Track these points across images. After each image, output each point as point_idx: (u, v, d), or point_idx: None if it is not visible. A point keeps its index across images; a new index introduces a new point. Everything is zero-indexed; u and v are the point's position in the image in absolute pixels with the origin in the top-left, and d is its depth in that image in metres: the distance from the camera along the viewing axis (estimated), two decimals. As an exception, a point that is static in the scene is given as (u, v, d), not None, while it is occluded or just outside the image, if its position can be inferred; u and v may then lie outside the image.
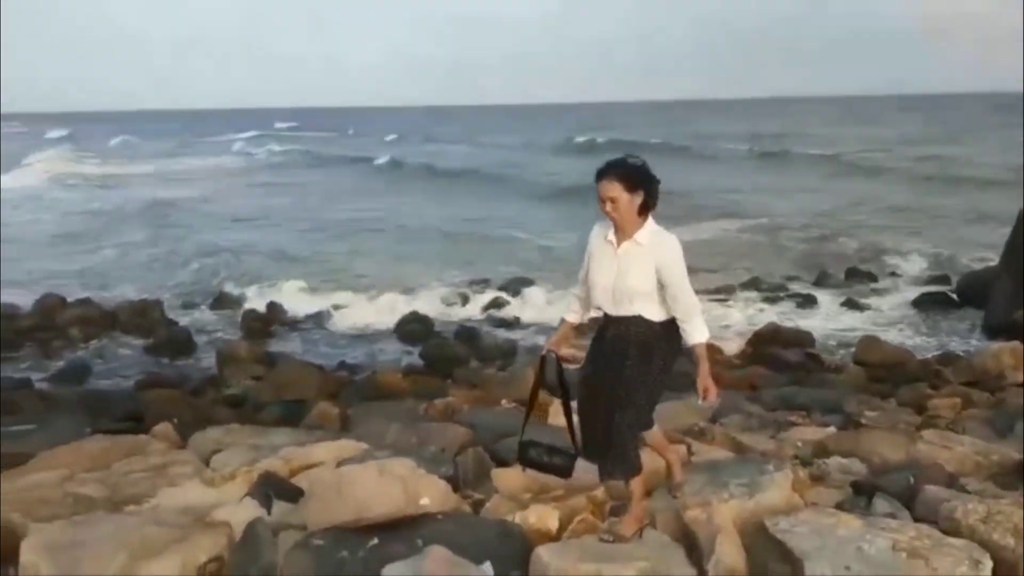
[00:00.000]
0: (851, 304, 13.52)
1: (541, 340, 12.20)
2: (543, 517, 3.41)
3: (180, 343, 12.18)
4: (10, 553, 3.31)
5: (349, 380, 9.77)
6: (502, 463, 4.54)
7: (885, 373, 9.20)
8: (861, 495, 3.81)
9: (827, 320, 12.92)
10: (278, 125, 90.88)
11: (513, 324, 13.11)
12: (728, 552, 2.92)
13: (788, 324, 12.02)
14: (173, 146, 62.77)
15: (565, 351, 3.52)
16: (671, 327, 3.21)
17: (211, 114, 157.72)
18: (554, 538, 3.32)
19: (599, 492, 3.65)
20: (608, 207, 3.12)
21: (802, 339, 11.07)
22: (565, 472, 3.33)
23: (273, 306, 13.84)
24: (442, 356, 10.91)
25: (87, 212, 27.71)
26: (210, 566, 3.14)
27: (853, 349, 10.38)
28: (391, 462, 3.47)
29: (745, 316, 13.05)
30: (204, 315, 14.15)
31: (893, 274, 15.96)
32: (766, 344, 10.66)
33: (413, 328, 12.62)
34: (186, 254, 19.57)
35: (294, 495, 3.83)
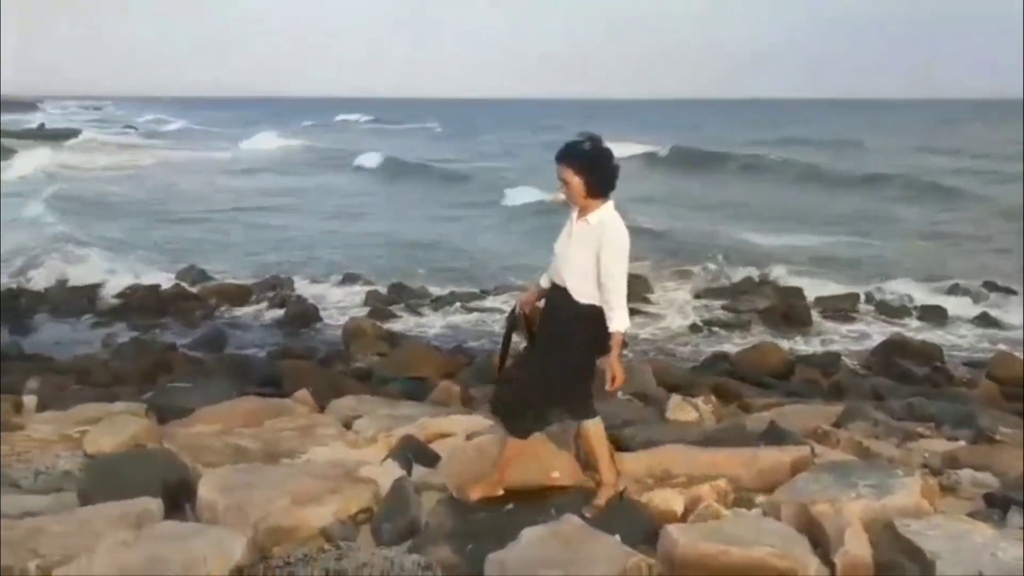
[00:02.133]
0: (986, 320, 12.83)
1: (658, 332, 12.30)
2: (668, 500, 3.55)
3: (308, 317, 12.93)
4: (185, 490, 3.73)
5: (467, 362, 10.12)
6: (622, 448, 4.70)
7: (1020, 390, 8.75)
8: (994, 507, 3.74)
9: (957, 334, 12.35)
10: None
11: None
12: (856, 545, 2.97)
13: (915, 336, 11.59)
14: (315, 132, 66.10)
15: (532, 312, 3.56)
16: (597, 315, 3.23)
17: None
18: (679, 521, 3.45)
19: (722, 481, 3.75)
20: (562, 188, 3.25)
21: (930, 352, 10.64)
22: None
23: (396, 288, 14.46)
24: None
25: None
26: (360, 516, 3.44)
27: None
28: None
29: (868, 326, 12.66)
30: (330, 291, 14.91)
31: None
32: (892, 355, 10.32)
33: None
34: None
35: (432, 459, 4.12)
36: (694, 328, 12.49)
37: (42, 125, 68.98)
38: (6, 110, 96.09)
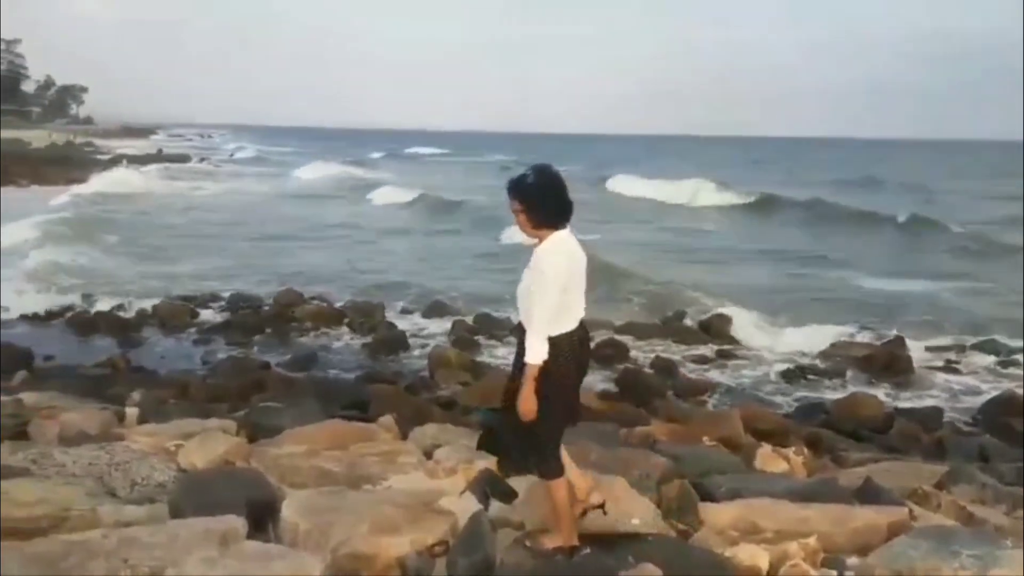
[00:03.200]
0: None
1: (748, 376, 11.94)
2: (754, 556, 3.41)
3: (396, 344, 13.17)
4: (269, 510, 3.82)
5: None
6: (706, 497, 4.56)
7: None
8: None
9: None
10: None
11: (714, 361, 12.84)
12: (958, 623, 2.77)
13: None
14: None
15: None
16: (558, 343, 3.15)
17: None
18: (763, 578, 3.31)
19: (812, 539, 3.57)
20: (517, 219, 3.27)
21: (1046, 412, 9.91)
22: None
23: (481, 318, 14.59)
24: (637, 385, 10.95)
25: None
26: (436, 548, 3.44)
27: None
28: (606, 479, 3.62)
29: (976, 380, 11.92)
30: (417, 320, 15.16)
31: None
32: (1002, 413, 9.67)
33: (607, 353, 12.77)
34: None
35: (509, 495, 4.09)
36: (788, 375, 12.06)
37: (160, 150, 73.52)
38: (127, 135, 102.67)
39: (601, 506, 3.47)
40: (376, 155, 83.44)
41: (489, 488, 4.09)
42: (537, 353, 3.11)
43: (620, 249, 24.01)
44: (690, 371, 12.23)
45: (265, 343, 13.31)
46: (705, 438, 6.81)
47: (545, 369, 3.13)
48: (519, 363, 3.24)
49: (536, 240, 3.25)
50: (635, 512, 3.54)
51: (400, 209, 35.77)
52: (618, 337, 13.42)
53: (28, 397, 6.55)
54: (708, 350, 13.29)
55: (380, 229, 28.37)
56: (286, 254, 22.23)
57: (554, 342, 3.15)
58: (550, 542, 3.40)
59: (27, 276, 16.90)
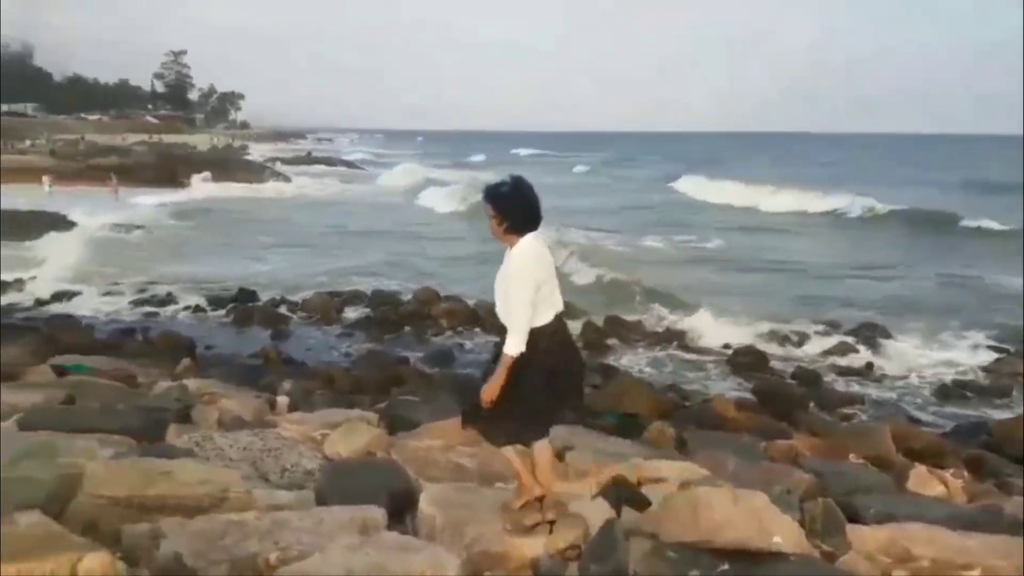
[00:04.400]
0: None
1: (899, 389, 11.21)
2: (908, 585, 3.17)
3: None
4: (407, 501, 3.94)
5: (680, 403, 9.86)
6: (854, 519, 4.30)
7: None
8: None
9: None
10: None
11: (862, 373, 12.11)
12: None
13: None
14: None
15: None
16: (533, 336, 3.34)
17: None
18: (918, 611, 3.07)
19: (976, 572, 3.29)
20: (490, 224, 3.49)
21: None
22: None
23: (610, 320, 14.47)
24: (778, 395, 10.51)
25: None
26: (568, 552, 3.42)
27: None
28: (746, 493, 3.47)
29: None
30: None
31: None
32: None
33: (747, 360, 12.34)
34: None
35: (642, 503, 4.02)
36: (943, 391, 11.21)
37: (309, 153, 77.94)
38: (279, 139, 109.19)
39: (551, 523, 3.59)
40: (478, 157, 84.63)
41: (622, 496, 4.04)
42: (514, 345, 3.33)
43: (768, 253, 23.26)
44: (835, 382, 11.62)
45: (402, 339, 13.79)
46: (852, 455, 6.44)
47: (522, 359, 3.35)
48: (496, 352, 3.48)
49: (508, 243, 3.47)
50: (777, 530, 3.37)
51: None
52: (757, 345, 12.93)
53: (191, 383, 7.10)
54: (856, 360, 12.58)
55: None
56: (420, 254, 22.95)
57: (531, 333, 3.37)
58: (518, 501, 3.63)
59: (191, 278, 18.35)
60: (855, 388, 11.42)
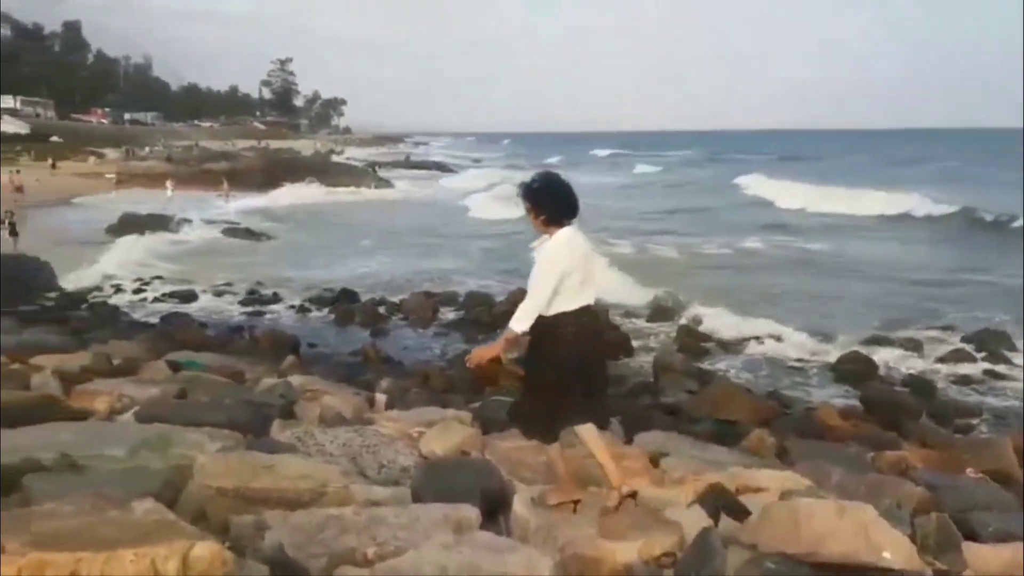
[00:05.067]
0: None
1: (1017, 404, 10.50)
2: (1034, 612, 2.95)
3: (618, 348, 13.13)
4: (500, 502, 3.95)
5: (781, 411, 9.53)
6: (970, 536, 4.05)
7: None
8: None
9: None
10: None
11: (980, 382, 11.41)
12: None
13: None
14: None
15: None
16: (556, 323, 3.49)
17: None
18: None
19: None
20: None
21: None
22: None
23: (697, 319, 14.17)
24: (887, 404, 10.01)
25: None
26: (664, 558, 3.36)
27: None
28: (852, 505, 3.31)
29: None
30: (640, 323, 15.03)
31: None
32: None
33: (853, 368, 11.81)
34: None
35: (741, 513, 3.90)
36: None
37: (407, 157, 79.71)
38: (379, 144, 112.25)
39: (633, 495, 3.72)
40: (554, 159, 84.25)
41: (720, 504, 3.93)
42: (519, 321, 3.50)
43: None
44: (948, 391, 10.99)
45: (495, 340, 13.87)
46: (969, 469, 6.06)
47: (541, 343, 3.55)
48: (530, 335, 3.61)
49: (548, 235, 3.59)
50: (886, 544, 3.20)
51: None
52: (862, 350, 12.36)
53: (295, 380, 7.36)
54: (974, 369, 11.85)
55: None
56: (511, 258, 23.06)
57: (552, 320, 3.51)
58: (553, 498, 3.75)
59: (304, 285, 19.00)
60: (973, 398, 10.76)
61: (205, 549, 2.63)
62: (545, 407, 3.64)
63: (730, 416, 8.75)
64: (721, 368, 12.19)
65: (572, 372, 3.57)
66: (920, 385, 10.89)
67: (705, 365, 12.16)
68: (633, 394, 10.07)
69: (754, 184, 46.55)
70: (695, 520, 3.73)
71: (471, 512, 3.45)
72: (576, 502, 3.72)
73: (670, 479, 4.45)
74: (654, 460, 5.15)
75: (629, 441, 6.09)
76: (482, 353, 3.61)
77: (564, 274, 3.49)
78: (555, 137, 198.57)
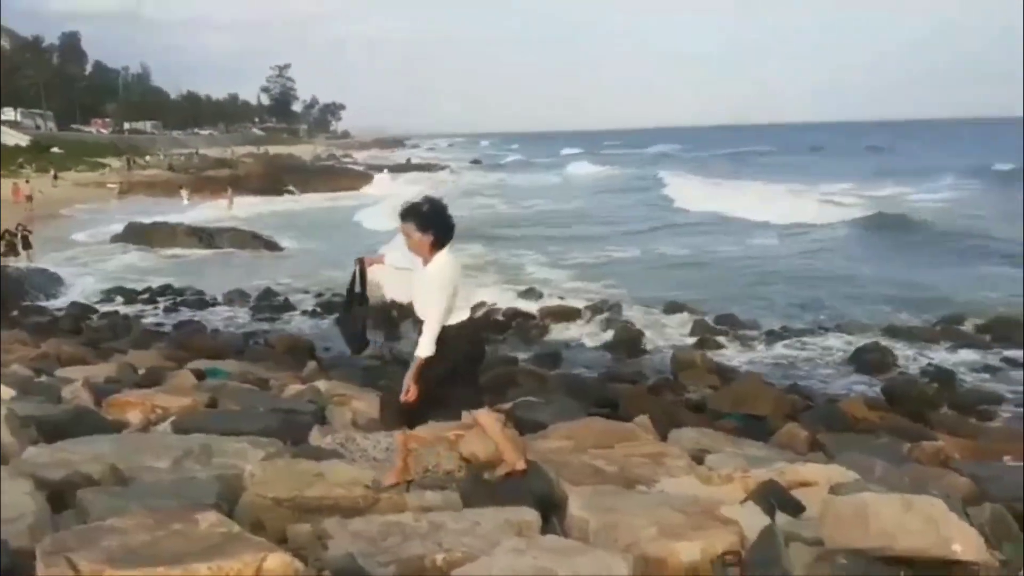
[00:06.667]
0: None
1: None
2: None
3: (634, 344, 13.11)
4: (551, 503, 3.91)
5: (805, 403, 9.49)
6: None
7: None
8: None
9: None
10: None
11: (997, 369, 11.36)
12: None
13: None
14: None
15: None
16: (454, 332, 3.75)
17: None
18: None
19: None
20: (408, 241, 3.80)
21: None
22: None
23: (722, 319, 14.11)
24: (909, 394, 9.97)
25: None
26: (728, 557, 3.32)
27: None
28: (919, 499, 3.27)
29: None
30: (656, 318, 14.96)
31: None
32: None
33: (872, 358, 11.76)
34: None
35: (796, 509, 3.86)
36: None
37: (409, 160, 79.68)
38: (379, 147, 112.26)
39: (523, 472, 3.98)
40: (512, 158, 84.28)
41: (775, 500, 3.89)
42: (426, 347, 3.69)
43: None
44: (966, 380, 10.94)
45: (508, 341, 13.81)
46: (1007, 456, 6.02)
47: (440, 352, 3.72)
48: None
49: (425, 258, 3.78)
50: (956, 537, 3.16)
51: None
52: (883, 341, 12.31)
53: (321, 385, 7.32)
54: (991, 357, 11.80)
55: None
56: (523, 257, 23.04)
57: (448, 330, 3.74)
58: (389, 479, 3.90)
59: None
60: (989, 386, 10.71)
61: (277, 560, 2.60)
62: (421, 400, 3.81)
63: (755, 411, 8.72)
64: (736, 362, 12.15)
65: (454, 370, 3.85)
66: (940, 375, 10.84)
67: (722, 359, 12.09)
68: (655, 390, 10.02)
69: (672, 182, 44.39)
70: (751, 517, 3.69)
71: (531, 515, 3.41)
72: (409, 482, 3.98)
73: (718, 476, 4.40)
74: (696, 457, 5.11)
75: (663, 438, 6.05)
76: (410, 395, 3.72)
77: (455, 293, 3.77)
78: (563, 135, 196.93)
